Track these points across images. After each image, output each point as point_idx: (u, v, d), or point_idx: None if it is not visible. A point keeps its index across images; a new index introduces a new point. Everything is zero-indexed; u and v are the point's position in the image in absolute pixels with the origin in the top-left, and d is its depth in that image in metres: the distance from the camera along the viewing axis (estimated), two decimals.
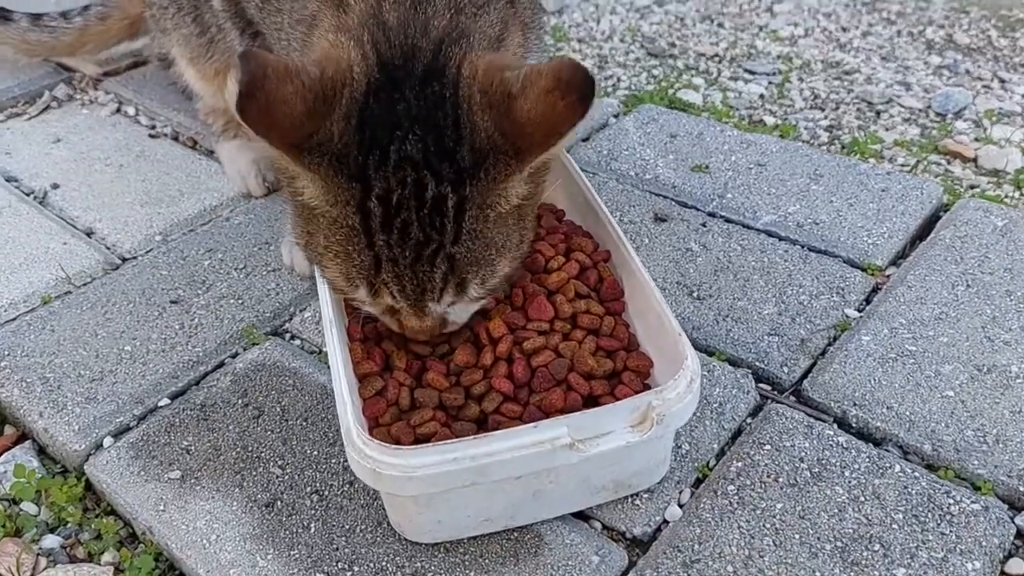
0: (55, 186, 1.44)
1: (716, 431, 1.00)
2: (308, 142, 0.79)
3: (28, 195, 1.43)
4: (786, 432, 0.99)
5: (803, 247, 1.25)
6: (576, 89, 0.76)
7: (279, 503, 0.94)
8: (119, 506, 0.96)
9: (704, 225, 1.30)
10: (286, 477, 0.96)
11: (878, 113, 1.76)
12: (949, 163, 1.57)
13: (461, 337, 0.97)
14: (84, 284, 1.25)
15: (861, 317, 1.14)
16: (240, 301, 1.20)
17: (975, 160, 1.57)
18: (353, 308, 1.00)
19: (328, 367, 1.08)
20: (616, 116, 1.62)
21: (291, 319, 1.19)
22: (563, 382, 0.93)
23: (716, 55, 1.99)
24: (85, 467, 0.99)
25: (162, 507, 0.94)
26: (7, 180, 1.47)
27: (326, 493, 0.95)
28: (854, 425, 1.01)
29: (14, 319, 1.19)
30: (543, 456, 0.80)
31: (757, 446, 0.98)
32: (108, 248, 1.32)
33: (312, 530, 0.91)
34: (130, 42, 1.70)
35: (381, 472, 0.78)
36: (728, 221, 1.31)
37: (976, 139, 1.64)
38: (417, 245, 0.82)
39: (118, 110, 1.66)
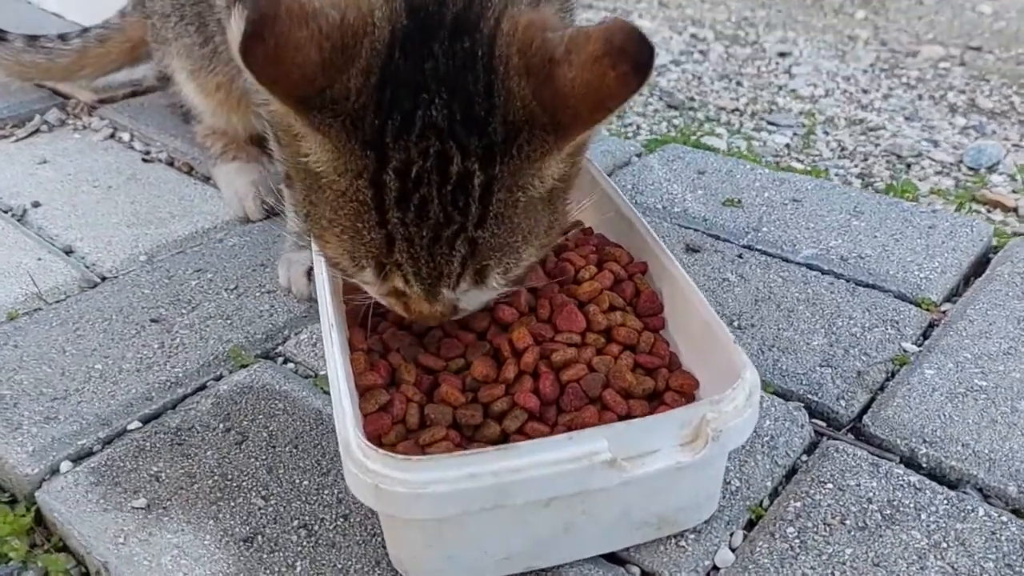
0: (36, 204, 1.33)
1: (769, 467, 0.87)
2: (319, 98, 0.68)
3: (6, 212, 1.32)
4: (849, 470, 0.86)
5: (848, 280, 1.15)
6: (630, 57, 0.66)
7: (260, 538, 0.80)
8: (72, 539, 0.82)
9: (740, 256, 1.19)
10: (270, 509, 0.83)
11: (908, 165, 1.67)
12: (990, 211, 1.47)
13: (479, 351, 0.85)
14: (57, 301, 1.13)
15: (921, 351, 1.02)
16: (229, 322, 1.08)
17: (1016, 210, 1.48)
18: (356, 315, 0.88)
19: (325, 392, 0.96)
20: (639, 155, 1.53)
21: (285, 342, 1.07)
22: (597, 400, 0.80)
23: (736, 109, 1.93)
24: (37, 494, 0.85)
25: (122, 539, 0.80)
26: None
27: (316, 528, 0.81)
28: (924, 464, 0.88)
29: None
30: (578, 475, 0.67)
31: (817, 484, 0.85)
32: (87, 267, 1.20)
33: (298, 569, 0.77)
34: (131, 68, 1.63)
35: (384, 489, 0.65)
36: (765, 254, 1.21)
37: (1014, 191, 1.56)
38: (436, 225, 0.71)
39: (112, 135, 1.57)
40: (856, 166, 1.65)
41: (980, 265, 1.20)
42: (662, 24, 2.57)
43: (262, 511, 0.83)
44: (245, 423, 0.93)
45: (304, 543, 0.79)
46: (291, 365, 1.03)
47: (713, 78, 2.13)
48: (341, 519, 0.82)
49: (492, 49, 0.71)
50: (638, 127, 1.79)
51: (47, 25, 1.93)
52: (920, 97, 2.07)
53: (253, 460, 0.88)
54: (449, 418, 0.79)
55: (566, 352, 0.82)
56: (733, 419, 0.70)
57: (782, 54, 2.32)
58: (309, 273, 1.10)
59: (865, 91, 2.09)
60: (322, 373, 1.01)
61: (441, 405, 0.80)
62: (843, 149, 1.74)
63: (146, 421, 0.94)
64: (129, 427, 0.93)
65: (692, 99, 1.98)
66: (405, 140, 0.69)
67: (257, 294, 1.14)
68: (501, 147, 0.70)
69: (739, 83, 2.11)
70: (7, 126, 1.58)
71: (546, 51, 0.69)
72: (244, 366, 1.02)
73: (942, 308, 1.11)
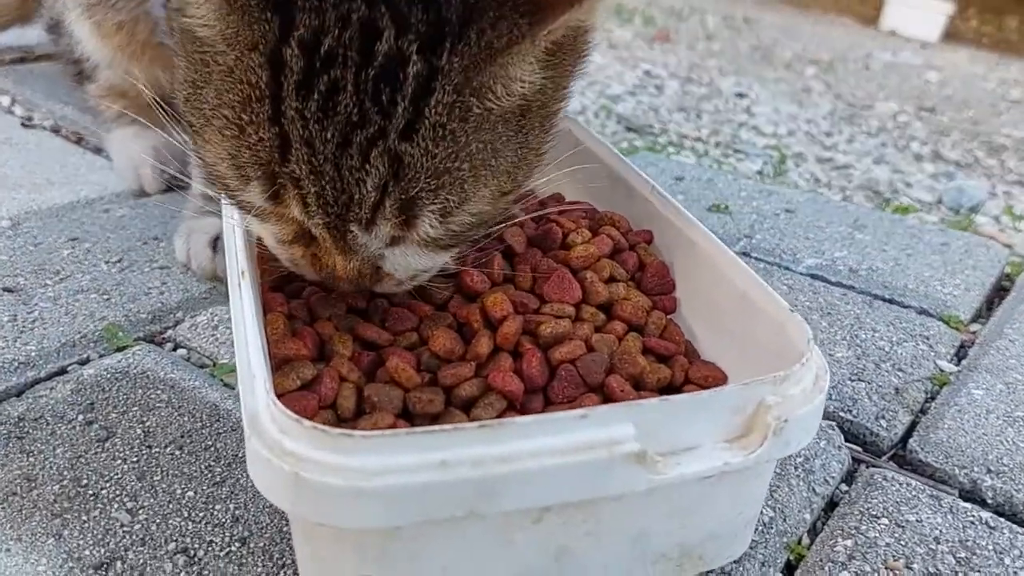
0: None
1: (806, 496, 0.67)
2: None
3: None
4: (905, 503, 0.67)
5: (860, 292, 0.98)
6: None
7: (120, 564, 0.56)
8: None
9: None
10: (137, 527, 0.59)
11: (887, 200, 1.55)
12: (988, 243, 1.34)
13: (439, 323, 0.64)
14: None
15: (960, 371, 0.85)
16: (106, 297, 0.84)
17: (1011, 248, 1.35)
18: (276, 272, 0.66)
19: (226, 384, 0.73)
20: None
21: (177, 325, 0.83)
22: (599, 388, 0.59)
23: (699, 138, 1.79)
24: None
25: None
26: None
27: (199, 554, 0.57)
28: (991, 498, 0.70)
29: None
30: (594, 472, 0.46)
31: (869, 520, 0.65)
32: None
33: None
34: (21, 27, 1.39)
35: (308, 480, 0.43)
36: (763, 261, 1.03)
37: (1002, 230, 1.44)
38: (347, 125, 0.51)
39: None
40: (836, 194, 1.51)
41: (998, 289, 1.06)
42: (613, 61, 2.45)
43: (126, 529, 0.59)
44: (113, 416, 0.69)
45: (182, 573, 0.55)
46: (182, 351, 0.80)
47: (671, 109, 2.00)
48: (237, 543, 0.58)
49: None
50: None
51: None
52: (884, 144, 1.97)
53: (120, 462, 0.64)
54: (398, 403, 0.57)
55: (557, 325, 0.61)
56: (802, 406, 0.51)
57: (739, 95, 2.22)
58: (215, 244, 0.87)
59: (828, 134, 1.99)
60: (223, 362, 0.77)
61: (388, 386, 0.58)
62: (817, 180, 1.61)
63: None
64: None
65: (651, 125, 1.83)
66: (319, 0, 0.50)
67: (146, 269, 0.90)
68: (455, 28, 0.51)
69: (698, 115, 1.98)
70: None
71: None
72: (120, 349, 0.78)
73: (971, 328, 0.95)
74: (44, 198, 1.03)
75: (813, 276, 1.01)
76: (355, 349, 0.62)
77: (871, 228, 1.14)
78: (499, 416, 0.57)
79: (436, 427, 0.45)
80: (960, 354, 0.89)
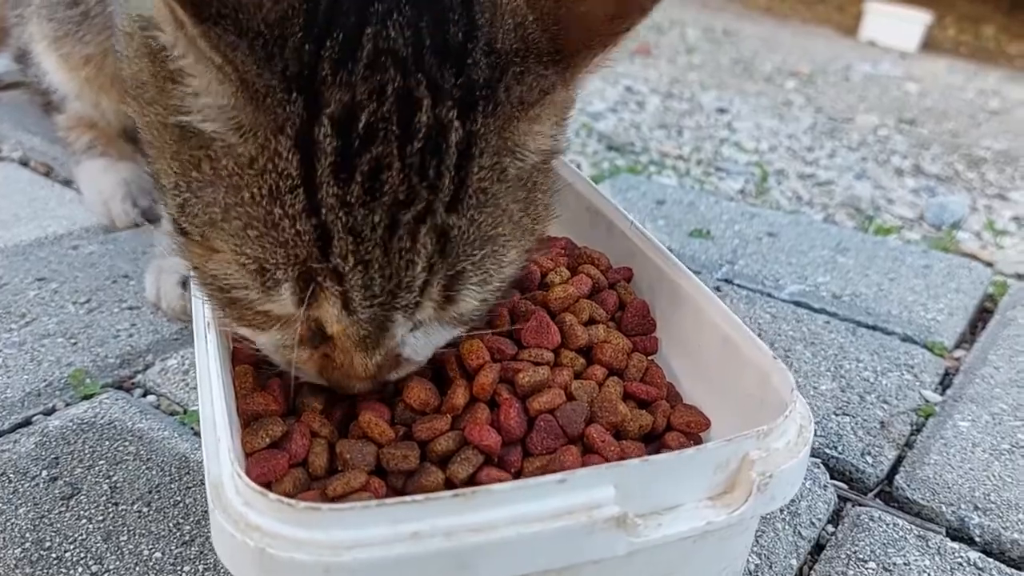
0: None
1: (792, 540, 0.66)
2: (222, 5, 0.44)
3: None
4: (892, 544, 0.66)
5: (844, 320, 0.97)
6: None
7: None
8: None
9: (718, 290, 1.00)
10: None
11: (870, 218, 1.54)
12: (970, 263, 1.34)
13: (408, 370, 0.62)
14: None
15: (945, 401, 0.84)
16: (72, 341, 0.82)
17: (992, 265, 1.35)
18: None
19: (196, 433, 0.71)
20: None
21: (146, 369, 0.81)
22: (579, 439, 0.58)
23: (680, 156, 1.78)
24: None
25: None
26: None
27: None
28: (979, 537, 0.69)
29: None
30: (572, 538, 0.45)
31: (857, 564, 0.64)
32: None
33: None
34: None
35: (274, 556, 0.41)
36: (745, 288, 1.02)
37: (984, 247, 1.44)
38: (395, 204, 0.47)
39: None
40: (818, 213, 1.50)
41: (981, 311, 1.05)
42: (593, 78, 2.44)
43: None
44: (79, 471, 0.67)
45: None
46: (151, 398, 0.78)
47: (652, 126, 1.99)
48: None
49: None
50: (579, 165, 1.61)
51: None
52: (865, 159, 1.97)
53: (85, 521, 0.62)
54: (371, 460, 0.55)
55: (535, 372, 0.60)
56: (786, 460, 0.49)
57: (720, 110, 2.21)
58: (185, 283, 0.85)
59: (809, 149, 1.98)
60: (193, 408, 0.75)
61: (360, 442, 0.56)
62: (799, 198, 1.60)
63: None
64: None
65: (632, 144, 1.82)
66: (349, 73, 0.47)
67: (115, 310, 0.88)
68: (484, 88, 0.49)
69: (679, 132, 1.97)
70: None
71: None
72: (87, 397, 0.76)
73: (955, 355, 0.94)
74: (11, 235, 1.01)
75: (796, 303, 1.00)
76: (325, 400, 0.60)
77: (853, 251, 1.13)
78: (476, 471, 0.55)
79: (408, 498, 0.43)
80: (945, 382, 0.88)
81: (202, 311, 0.58)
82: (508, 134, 0.50)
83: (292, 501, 0.42)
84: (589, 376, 0.62)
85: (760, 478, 0.48)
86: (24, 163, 1.21)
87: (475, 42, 0.49)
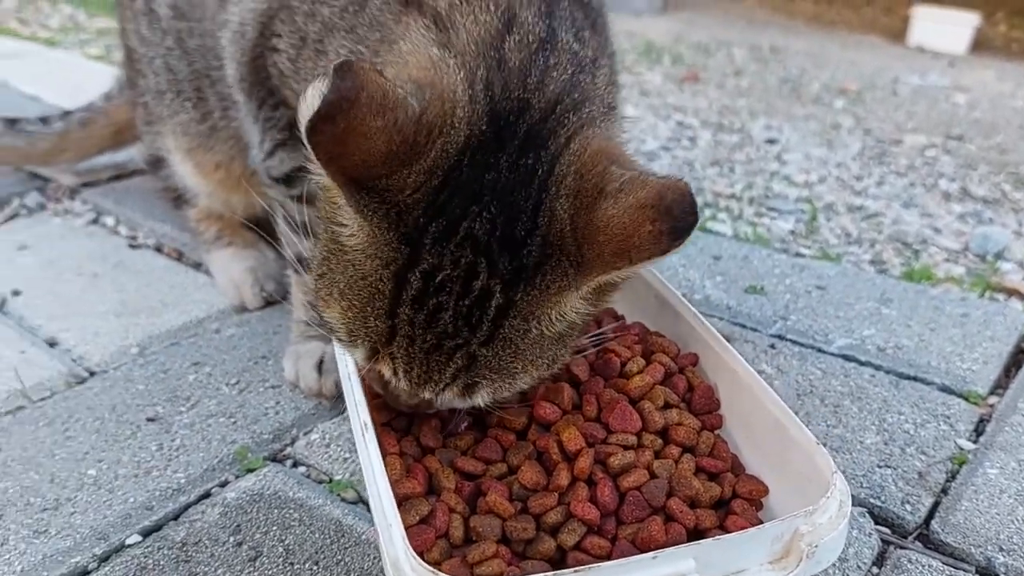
0: (16, 293, 1.24)
1: None
2: (374, 183, 0.65)
3: None
4: None
5: (888, 372, 1.09)
6: (673, 218, 0.63)
7: None
8: None
9: (772, 347, 1.13)
10: None
11: (916, 252, 1.65)
12: (1007, 300, 1.44)
13: (522, 452, 0.77)
14: (42, 399, 1.03)
15: (978, 448, 0.96)
16: (232, 420, 0.99)
17: None
18: (385, 411, 0.80)
19: (343, 499, 0.87)
20: None
21: (294, 443, 0.98)
22: (661, 509, 0.72)
23: (733, 195, 1.91)
24: None
25: None
26: None
27: None
28: (1003, 574, 0.81)
29: None
30: None
31: None
32: (74, 360, 1.10)
33: None
34: (113, 153, 1.56)
35: None
36: (798, 344, 1.15)
37: None
38: (442, 334, 0.68)
39: (95, 220, 1.48)
40: (865, 252, 1.62)
41: (1015, 355, 1.16)
42: (646, 111, 2.58)
43: None
44: (258, 536, 0.83)
45: None
46: (302, 468, 0.94)
47: (704, 164, 2.12)
48: None
49: (553, 168, 0.69)
50: None
51: (26, 108, 1.85)
52: (913, 184, 2.07)
53: None
54: (498, 531, 0.71)
55: (624, 456, 0.75)
56: (828, 532, 0.63)
57: (770, 141, 2.33)
58: (319, 366, 1.02)
59: (858, 178, 2.09)
60: (337, 478, 0.92)
61: (488, 516, 0.72)
62: (848, 235, 1.71)
63: (147, 534, 0.84)
64: (128, 541, 0.83)
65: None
66: (442, 246, 0.67)
67: (260, 389, 1.05)
68: (528, 272, 0.67)
69: (731, 169, 2.09)
70: None
71: (602, 181, 0.67)
72: (251, 470, 0.92)
73: (988, 401, 1.06)
74: (162, 321, 1.19)
75: (845, 357, 1.12)
76: (457, 480, 0.76)
77: (896, 301, 1.25)
78: (581, 539, 0.70)
79: (541, 574, 0.58)
80: (978, 429, 1.01)
81: (358, 414, 0.74)
82: (535, 307, 0.69)
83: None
84: (666, 455, 0.77)
85: (808, 548, 0.63)
86: (158, 249, 1.40)
87: (532, 239, 0.67)
